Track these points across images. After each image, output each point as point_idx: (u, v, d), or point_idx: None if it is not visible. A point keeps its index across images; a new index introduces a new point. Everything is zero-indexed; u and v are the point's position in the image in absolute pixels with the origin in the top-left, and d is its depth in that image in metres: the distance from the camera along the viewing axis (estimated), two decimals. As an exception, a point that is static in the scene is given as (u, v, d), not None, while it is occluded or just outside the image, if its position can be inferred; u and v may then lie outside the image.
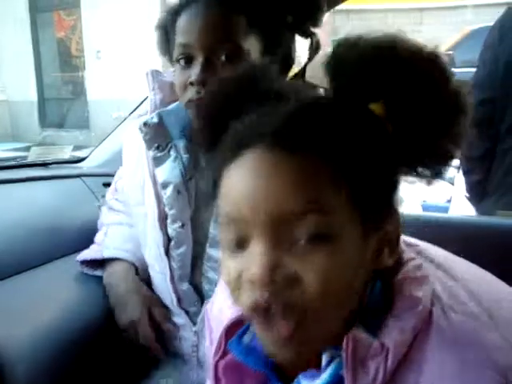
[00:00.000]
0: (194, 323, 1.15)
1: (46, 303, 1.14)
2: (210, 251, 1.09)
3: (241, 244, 0.57)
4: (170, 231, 1.13)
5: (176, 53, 1.04)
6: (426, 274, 0.62)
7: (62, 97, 10.63)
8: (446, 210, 2.65)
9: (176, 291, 1.15)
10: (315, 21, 1.07)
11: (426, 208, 2.95)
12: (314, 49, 1.09)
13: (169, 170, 1.12)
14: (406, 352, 0.56)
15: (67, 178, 1.61)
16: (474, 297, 0.60)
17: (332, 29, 12.42)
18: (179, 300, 1.15)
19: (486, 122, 1.69)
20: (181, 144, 1.13)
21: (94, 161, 1.75)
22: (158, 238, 1.14)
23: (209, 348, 0.79)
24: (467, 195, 1.88)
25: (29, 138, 9.66)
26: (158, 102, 1.16)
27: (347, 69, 0.58)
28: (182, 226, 1.12)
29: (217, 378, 0.70)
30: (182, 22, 1.03)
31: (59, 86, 10.79)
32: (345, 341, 0.56)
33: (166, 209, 1.13)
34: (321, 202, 0.53)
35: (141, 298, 1.20)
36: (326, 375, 0.59)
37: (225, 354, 0.69)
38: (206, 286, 1.12)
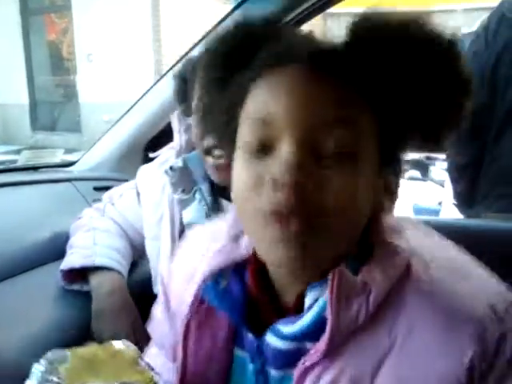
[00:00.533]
0: None
1: (35, 308, 1.13)
2: None
3: (264, 148, 0.58)
4: None
5: (196, 101, 1.06)
6: (403, 229, 0.66)
7: (53, 100, 10.58)
8: (437, 212, 2.66)
9: None
10: None
11: (417, 210, 2.97)
12: None
13: (194, 212, 1.17)
14: (386, 295, 0.59)
15: (58, 181, 1.60)
16: (445, 259, 0.65)
17: (323, 31, 12.48)
18: None
19: (473, 130, 1.66)
20: (204, 187, 1.17)
21: (84, 164, 1.74)
22: None
23: (159, 321, 0.83)
24: (455, 203, 1.88)
25: (20, 141, 9.62)
26: (183, 144, 1.21)
27: (368, 32, 0.60)
28: None
29: (185, 337, 0.72)
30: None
31: (50, 89, 10.75)
32: (331, 275, 0.58)
33: None
34: (349, 120, 0.57)
35: (131, 315, 1.19)
36: (308, 316, 0.60)
37: (198, 310, 0.71)
38: None
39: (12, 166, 1.78)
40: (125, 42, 8.86)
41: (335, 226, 0.56)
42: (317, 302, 0.60)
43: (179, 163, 1.19)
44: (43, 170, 1.77)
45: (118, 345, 0.69)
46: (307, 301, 0.61)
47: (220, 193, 1.17)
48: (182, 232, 1.20)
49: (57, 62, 10.66)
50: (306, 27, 1.52)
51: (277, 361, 0.65)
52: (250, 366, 0.69)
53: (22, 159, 1.90)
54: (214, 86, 0.67)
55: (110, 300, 1.18)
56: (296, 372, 0.61)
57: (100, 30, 9.13)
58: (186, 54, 1.52)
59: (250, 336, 0.67)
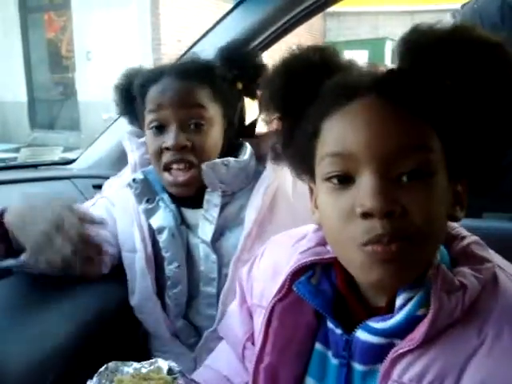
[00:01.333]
0: (192, 351, 1.23)
1: (37, 304, 1.13)
2: (206, 289, 1.20)
3: (346, 178, 0.64)
4: (167, 272, 1.21)
5: (148, 120, 1.17)
6: (484, 244, 0.71)
7: (52, 98, 10.57)
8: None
9: (172, 327, 1.24)
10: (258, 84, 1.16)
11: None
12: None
13: (162, 217, 1.22)
14: (477, 297, 0.63)
15: (57, 179, 1.60)
16: None
17: (323, 31, 12.48)
18: (176, 335, 1.25)
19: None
20: (165, 197, 1.23)
21: (84, 162, 1.74)
22: (146, 281, 1.22)
23: (238, 309, 0.91)
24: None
25: (18, 139, 9.60)
26: (137, 160, 1.28)
27: (424, 49, 0.64)
28: (178, 266, 1.21)
29: (269, 321, 0.77)
30: (153, 93, 1.16)
31: (49, 86, 10.74)
32: (432, 271, 0.64)
33: (163, 252, 1.21)
34: (423, 146, 0.62)
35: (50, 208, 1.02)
36: (401, 315, 0.65)
37: (284, 296, 0.76)
38: (203, 323, 1.22)
39: (12, 163, 1.78)
40: (124, 41, 8.85)
41: (426, 240, 0.62)
42: (410, 301, 0.65)
43: (140, 176, 1.24)
44: (42, 167, 1.78)
45: (162, 363, 0.72)
46: (398, 301, 0.66)
47: (179, 202, 1.24)
48: (152, 237, 1.23)
49: (55, 60, 10.65)
50: (305, 26, 1.53)
51: (365, 356, 0.70)
52: (333, 361, 0.74)
53: (21, 157, 1.91)
54: (286, 125, 0.73)
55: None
56: (386, 361, 0.65)
57: (99, 28, 9.12)
58: (186, 53, 1.52)
59: (337, 332, 0.72)
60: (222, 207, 1.18)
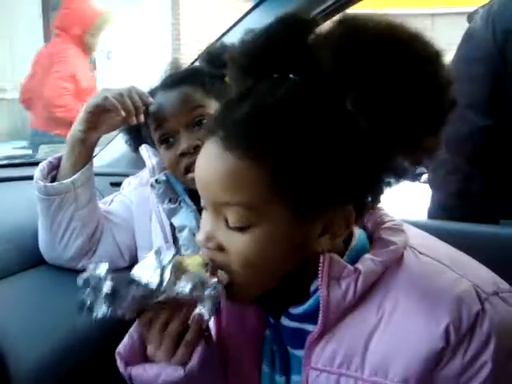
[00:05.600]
0: None
1: (51, 300, 1.15)
2: None
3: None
4: None
5: (156, 138, 1.24)
6: (401, 227, 0.74)
7: (72, 96, 10.67)
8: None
9: None
10: None
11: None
12: None
13: (184, 216, 1.26)
14: (376, 280, 0.67)
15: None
16: (438, 251, 0.73)
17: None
18: None
19: (483, 153, 1.45)
20: (186, 198, 1.27)
21: (101, 160, 1.75)
22: None
23: None
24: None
25: (38, 136, 9.70)
26: (155, 165, 1.30)
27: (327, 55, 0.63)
28: None
29: (218, 311, 0.80)
30: (153, 111, 1.23)
31: (70, 85, 10.84)
32: (321, 259, 0.67)
33: (182, 249, 1.24)
34: (244, 200, 0.64)
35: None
36: (311, 300, 0.71)
37: None
38: None
39: (30, 160, 1.80)
40: (144, 41, 8.90)
41: (245, 278, 0.69)
42: (318, 290, 0.69)
43: (162, 177, 1.27)
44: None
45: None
46: (312, 287, 0.71)
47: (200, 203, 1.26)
48: (173, 235, 1.27)
49: (76, 59, 10.74)
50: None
51: (292, 341, 0.76)
52: (274, 347, 0.80)
53: (40, 154, 1.93)
54: None
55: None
56: (305, 348, 0.71)
57: (120, 28, 9.17)
58: (205, 52, 1.52)
59: (271, 320, 0.79)
60: None
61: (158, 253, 0.71)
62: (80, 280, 0.68)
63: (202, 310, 0.71)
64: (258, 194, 0.63)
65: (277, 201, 0.64)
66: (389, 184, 0.69)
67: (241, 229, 0.65)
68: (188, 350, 0.73)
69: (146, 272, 0.69)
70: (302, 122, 0.62)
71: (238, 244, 0.67)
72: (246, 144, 0.62)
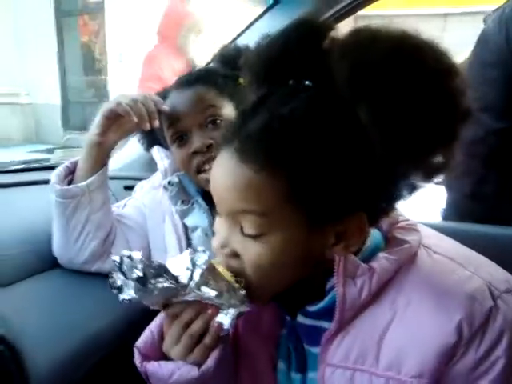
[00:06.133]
0: None
1: (66, 302, 1.16)
2: None
3: None
4: None
5: (169, 136, 1.25)
6: (415, 227, 0.76)
7: (85, 100, 10.74)
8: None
9: None
10: None
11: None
12: None
13: (197, 217, 1.27)
14: (390, 278, 0.69)
15: (89, 180, 1.61)
16: (451, 250, 0.74)
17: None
18: None
19: (497, 155, 1.47)
20: (199, 199, 1.27)
21: (115, 164, 1.77)
22: None
23: None
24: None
25: (52, 140, 9.79)
26: (167, 167, 1.31)
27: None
28: None
29: None
30: (167, 108, 1.23)
31: (82, 89, 10.92)
32: (337, 259, 0.68)
33: None
34: (258, 209, 0.65)
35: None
36: (327, 298, 0.72)
37: None
38: None
39: (45, 164, 1.81)
40: (155, 43, 8.93)
41: (260, 283, 0.70)
42: (333, 288, 0.70)
43: (175, 179, 1.28)
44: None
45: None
46: (328, 285, 0.73)
47: (213, 205, 1.24)
48: (186, 235, 1.28)
49: (89, 63, 10.83)
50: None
51: (309, 338, 0.78)
52: (290, 345, 0.81)
53: (54, 158, 1.94)
54: None
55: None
56: (321, 345, 0.72)
57: (132, 31, 9.22)
58: (218, 53, 1.53)
59: (287, 317, 0.81)
60: None
61: (193, 252, 0.72)
62: (114, 259, 0.69)
63: (222, 318, 0.72)
64: (273, 203, 0.64)
65: (291, 210, 0.65)
66: (403, 194, 0.68)
67: (255, 236, 0.67)
68: (205, 352, 0.73)
69: (178, 268, 0.71)
70: (317, 134, 0.62)
71: (252, 251, 0.68)
72: (262, 158, 0.63)
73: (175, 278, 0.70)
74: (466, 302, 0.64)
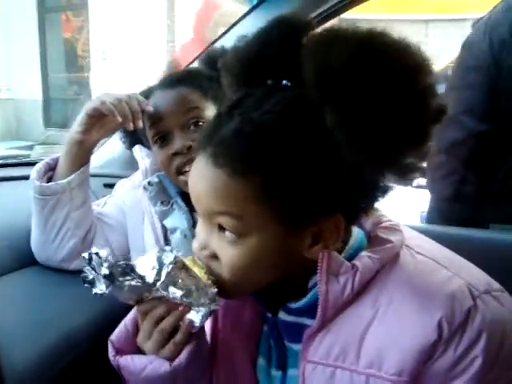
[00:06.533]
0: None
1: (43, 300, 1.15)
2: None
3: None
4: None
5: (151, 135, 1.24)
6: (398, 227, 0.77)
7: (67, 97, 10.64)
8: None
9: None
10: None
11: (424, 219, 2.94)
12: None
13: (176, 218, 1.26)
14: (372, 277, 0.69)
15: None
16: (434, 250, 0.75)
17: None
18: None
19: (478, 157, 1.49)
20: (179, 200, 1.27)
21: (95, 161, 1.75)
22: None
23: None
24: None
25: (33, 136, 9.67)
26: (148, 167, 1.30)
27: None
28: None
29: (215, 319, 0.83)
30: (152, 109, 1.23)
31: (65, 86, 10.81)
32: (320, 256, 0.68)
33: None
34: (233, 211, 0.66)
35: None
36: (309, 295, 0.73)
37: None
38: None
39: (25, 160, 1.79)
40: (139, 42, 8.89)
41: (237, 283, 0.71)
42: (315, 286, 0.70)
43: (155, 179, 1.28)
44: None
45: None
46: (310, 283, 0.73)
47: (192, 206, 1.25)
48: (165, 237, 1.28)
49: (71, 60, 10.74)
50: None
51: (290, 335, 0.78)
52: (271, 341, 0.82)
53: (34, 154, 1.92)
54: None
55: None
56: (303, 342, 0.72)
57: (115, 29, 9.17)
58: (199, 55, 1.53)
59: (268, 314, 0.81)
60: None
61: (160, 251, 0.72)
62: (84, 256, 0.70)
63: (194, 316, 0.72)
64: (248, 206, 0.65)
65: (265, 213, 0.65)
66: (378, 195, 0.70)
67: (232, 238, 0.67)
68: (176, 348, 0.74)
69: (145, 268, 0.71)
70: (287, 137, 0.63)
71: (229, 253, 0.69)
72: (235, 162, 0.63)
73: (142, 278, 0.70)
74: (446, 301, 0.64)
